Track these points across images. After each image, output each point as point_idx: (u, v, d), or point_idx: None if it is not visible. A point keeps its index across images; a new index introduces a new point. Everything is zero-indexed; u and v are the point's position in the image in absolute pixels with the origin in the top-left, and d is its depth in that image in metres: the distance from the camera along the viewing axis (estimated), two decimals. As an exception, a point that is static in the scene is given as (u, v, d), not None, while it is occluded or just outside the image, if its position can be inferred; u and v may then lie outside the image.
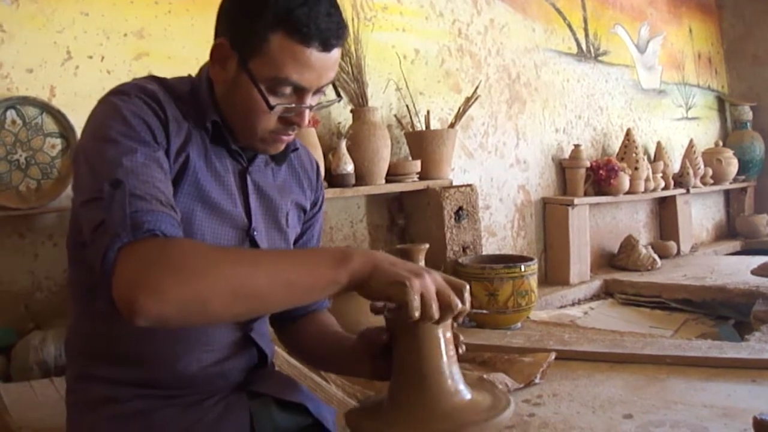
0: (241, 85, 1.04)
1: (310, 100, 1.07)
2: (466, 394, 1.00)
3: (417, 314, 0.90)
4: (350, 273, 0.91)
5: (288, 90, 1.04)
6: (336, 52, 1.05)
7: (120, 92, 1.03)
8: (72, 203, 1.03)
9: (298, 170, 1.29)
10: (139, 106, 1.00)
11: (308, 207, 1.32)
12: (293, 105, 1.06)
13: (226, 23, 1.07)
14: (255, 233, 1.16)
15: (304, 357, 1.38)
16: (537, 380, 2.01)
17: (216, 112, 1.10)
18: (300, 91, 1.05)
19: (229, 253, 0.98)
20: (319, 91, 1.08)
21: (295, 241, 1.30)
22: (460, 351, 1.04)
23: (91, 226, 0.90)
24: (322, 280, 0.91)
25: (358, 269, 0.91)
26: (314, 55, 1.01)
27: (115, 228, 0.87)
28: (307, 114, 1.08)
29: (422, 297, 0.91)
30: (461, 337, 1.06)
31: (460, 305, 0.94)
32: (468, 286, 0.98)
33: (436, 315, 0.92)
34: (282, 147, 1.15)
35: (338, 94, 1.20)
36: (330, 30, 1.01)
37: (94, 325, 1.11)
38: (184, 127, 1.06)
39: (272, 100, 1.04)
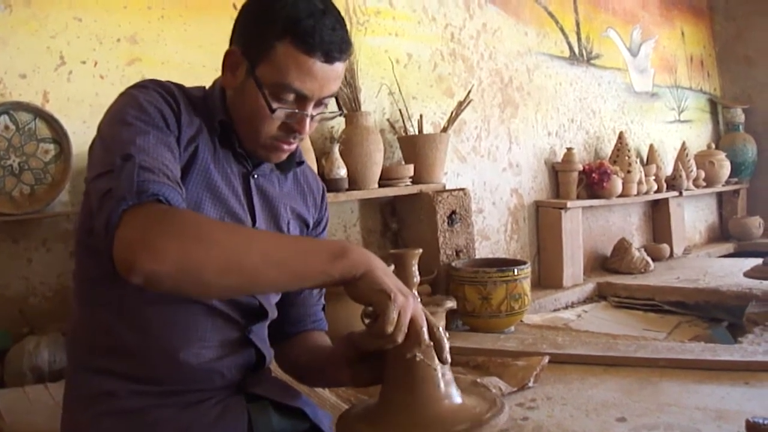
0: (248, 90, 1.10)
1: (312, 109, 1.12)
2: (458, 398, 1.00)
3: (390, 329, 0.93)
4: (343, 269, 0.94)
5: (291, 97, 1.10)
6: (339, 66, 1.11)
7: (138, 85, 1.10)
8: (84, 190, 1.06)
9: (303, 186, 1.34)
10: (154, 97, 1.07)
11: (311, 223, 1.35)
12: (295, 111, 1.11)
13: (240, 33, 1.13)
14: None
15: (293, 374, 1.38)
16: (530, 384, 2.02)
17: (225, 115, 1.16)
18: (301, 99, 1.10)
19: (229, 226, 1.04)
20: (321, 102, 1.13)
21: None
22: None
23: (100, 195, 0.94)
24: (314, 269, 0.93)
25: (351, 267, 0.94)
26: (317, 65, 1.07)
27: (122, 192, 0.91)
28: (308, 122, 1.13)
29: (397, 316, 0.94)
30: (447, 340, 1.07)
31: (427, 341, 0.98)
32: (441, 328, 1.01)
33: (400, 339, 0.95)
34: (284, 156, 1.19)
35: (340, 108, 1.25)
36: (333, 43, 1.07)
37: (96, 318, 1.12)
38: (195, 122, 1.12)
39: (274, 105, 1.09)
